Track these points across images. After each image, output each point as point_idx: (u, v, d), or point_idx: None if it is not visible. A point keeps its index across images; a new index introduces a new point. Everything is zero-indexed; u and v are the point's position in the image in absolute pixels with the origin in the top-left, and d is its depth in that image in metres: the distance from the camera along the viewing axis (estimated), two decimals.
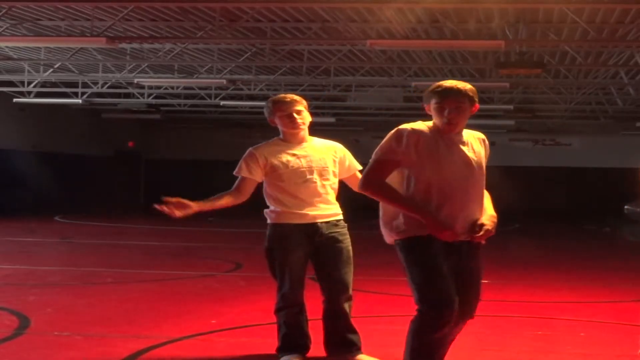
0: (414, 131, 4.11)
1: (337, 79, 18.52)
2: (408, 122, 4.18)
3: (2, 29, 12.97)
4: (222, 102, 21.77)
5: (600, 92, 20.49)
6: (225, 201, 5.23)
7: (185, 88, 20.70)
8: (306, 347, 5.28)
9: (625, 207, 24.49)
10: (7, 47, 15.64)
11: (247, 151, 5.28)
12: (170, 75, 18.47)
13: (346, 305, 5.20)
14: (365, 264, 10.71)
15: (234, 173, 5.28)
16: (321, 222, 5.16)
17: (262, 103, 22.45)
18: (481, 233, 4.06)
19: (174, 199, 5.01)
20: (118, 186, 27.75)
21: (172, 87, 20.70)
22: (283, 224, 5.15)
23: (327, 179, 5.21)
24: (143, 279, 9.53)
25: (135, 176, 30.02)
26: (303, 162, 5.16)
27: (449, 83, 4.21)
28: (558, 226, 22.17)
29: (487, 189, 4.32)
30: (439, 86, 4.21)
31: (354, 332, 5.30)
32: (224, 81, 17.17)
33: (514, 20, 12.52)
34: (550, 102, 21.84)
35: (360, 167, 5.43)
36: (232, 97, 22.16)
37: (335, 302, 5.18)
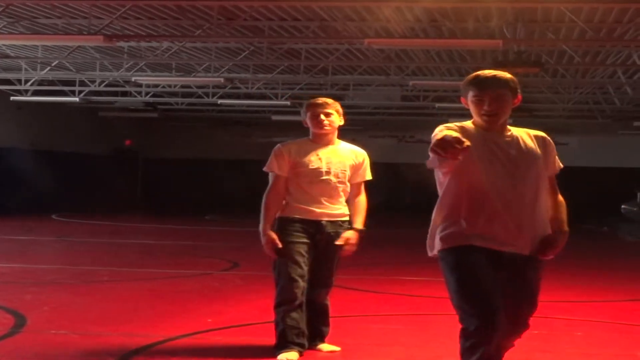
0: (464, 129, 3.76)
1: (334, 78, 18.52)
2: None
3: None
4: (220, 101, 21.75)
5: (598, 91, 20.50)
6: (276, 210, 5.33)
7: (182, 86, 20.68)
8: (303, 345, 5.30)
9: (623, 206, 24.53)
10: (4, 45, 15.61)
11: (276, 148, 5.40)
12: (167, 74, 18.46)
13: (327, 301, 5.43)
14: (363, 263, 10.71)
15: (264, 169, 5.39)
16: (326, 221, 5.31)
17: (260, 102, 22.60)
18: (546, 253, 3.78)
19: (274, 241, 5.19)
20: (115, 184, 27.71)
21: (170, 86, 20.70)
22: (289, 217, 5.30)
23: (342, 182, 5.39)
24: (140, 278, 9.52)
25: (132, 174, 29.99)
26: (323, 163, 5.33)
27: (487, 72, 3.85)
28: None
29: None
30: (477, 76, 3.83)
31: (328, 324, 5.51)
32: (222, 80, 17.16)
33: (512, 20, 12.53)
34: (548, 101, 21.85)
35: (370, 178, 5.54)
36: (229, 96, 22.15)
37: (317, 297, 5.38)
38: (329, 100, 5.39)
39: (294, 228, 5.26)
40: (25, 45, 15.81)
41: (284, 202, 5.34)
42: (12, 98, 21.30)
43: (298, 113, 5.57)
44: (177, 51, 15.42)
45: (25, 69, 18.49)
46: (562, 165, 4.07)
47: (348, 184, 5.43)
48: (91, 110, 26.08)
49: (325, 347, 5.46)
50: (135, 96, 22.31)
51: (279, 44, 15.05)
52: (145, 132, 30.04)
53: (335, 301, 7.66)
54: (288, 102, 20.77)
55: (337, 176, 5.35)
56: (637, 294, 9.05)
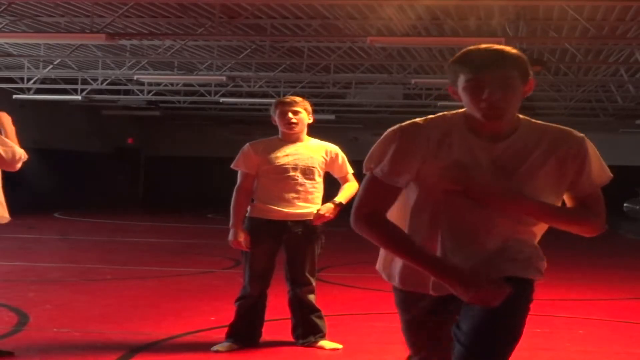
0: (428, 127, 2.80)
1: (336, 76, 18.51)
2: (408, 119, 2.96)
3: (1, 25, 12.95)
4: (222, 99, 21.76)
5: (600, 89, 20.48)
6: (245, 207, 5.43)
7: (184, 85, 20.69)
8: (248, 338, 5.43)
9: (625, 204, 24.53)
10: (6, 43, 15.64)
11: (245, 146, 5.49)
12: (169, 72, 18.46)
13: (310, 297, 5.45)
14: (364, 262, 10.71)
15: (232, 166, 5.47)
16: (292, 221, 5.35)
17: (262, 100, 22.66)
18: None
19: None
20: (117, 183, 27.74)
21: (172, 84, 20.70)
22: (255, 218, 5.39)
23: (311, 179, 5.40)
24: (142, 276, 9.53)
25: (134, 173, 30.02)
26: (290, 159, 5.36)
27: (485, 46, 2.68)
28: None
29: None
30: (469, 53, 2.70)
31: (320, 317, 5.52)
32: (224, 78, 17.17)
33: (514, 18, 12.52)
34: (550, 99, 21.83)
35: (352, 170, 5.51)
36: (231, 94, 22.16)
37: (297, 294, 5.44)
38: (298, 99, 5.44)
39: (259, 230, 5.33)
40: (28, 44, 15.82)
41: (253, 203, 5.42)
42: (14, 96, 21.30)
43: None
44: (179, 49, 15.42)
45: (28, 68, 18.49)
46: (606, 177, 2.89)
47: (319, 181, 5.44)
48: (93, 109, 26.10)
49: (327, 344, 5.48)
50: (138, 94, 22.32)
51: (281, 42, 15.05)
52: (147, 130, 30.06)
53: (338, 299, 7.68)
54: None
55: (304, 172, 5.36)
56: (638, 292, 9.06)
